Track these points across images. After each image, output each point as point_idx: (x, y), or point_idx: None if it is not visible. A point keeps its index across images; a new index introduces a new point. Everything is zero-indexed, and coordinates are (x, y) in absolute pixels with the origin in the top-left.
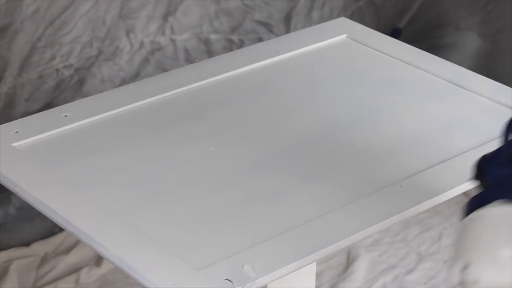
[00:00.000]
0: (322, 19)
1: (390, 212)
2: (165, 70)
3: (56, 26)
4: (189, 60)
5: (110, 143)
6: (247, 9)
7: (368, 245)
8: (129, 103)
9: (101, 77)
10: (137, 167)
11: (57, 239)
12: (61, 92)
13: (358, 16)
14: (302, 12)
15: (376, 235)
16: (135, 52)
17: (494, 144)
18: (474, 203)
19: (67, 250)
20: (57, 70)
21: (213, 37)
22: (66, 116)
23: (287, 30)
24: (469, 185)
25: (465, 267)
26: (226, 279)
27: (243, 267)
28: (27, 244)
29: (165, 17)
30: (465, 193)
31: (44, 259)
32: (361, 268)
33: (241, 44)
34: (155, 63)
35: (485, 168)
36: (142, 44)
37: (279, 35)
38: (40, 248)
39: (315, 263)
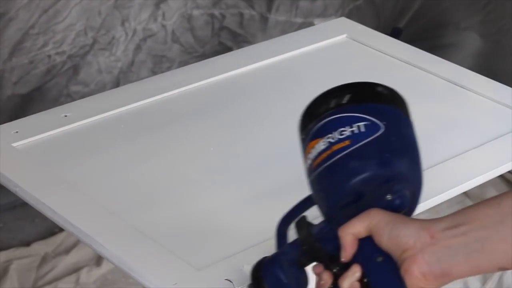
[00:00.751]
0: (312, 13)
1: None
2: (155, 55)
3: (50, 14)
4: (175, 40)
5: (110, 143)
6: None
7: None
8: (129, 103)
9: (97, 67)
10: (137, 167)
11: (57, 239)
12: (52, 78)
13: (356, 15)
14: None
15: None
16: (129, 40)
17: (494, 144)
18: None
19: (67, 250)
20: (49, 56)
21: (195, 12)
22: (66, 116)
23: (269, 8)
24: (469, 185)
25: None
26: (226, 279)
27: (243, 267)
28: (27, 244)
29: (157, 4)
30: (465, 193)
31: (44, 259)
32: None
33: (222, 20)
34: (146, 49)
35: (263, 274)
36: (135, 32)
37: (260, 12)
38: (40, 248)
39: (315, 263)
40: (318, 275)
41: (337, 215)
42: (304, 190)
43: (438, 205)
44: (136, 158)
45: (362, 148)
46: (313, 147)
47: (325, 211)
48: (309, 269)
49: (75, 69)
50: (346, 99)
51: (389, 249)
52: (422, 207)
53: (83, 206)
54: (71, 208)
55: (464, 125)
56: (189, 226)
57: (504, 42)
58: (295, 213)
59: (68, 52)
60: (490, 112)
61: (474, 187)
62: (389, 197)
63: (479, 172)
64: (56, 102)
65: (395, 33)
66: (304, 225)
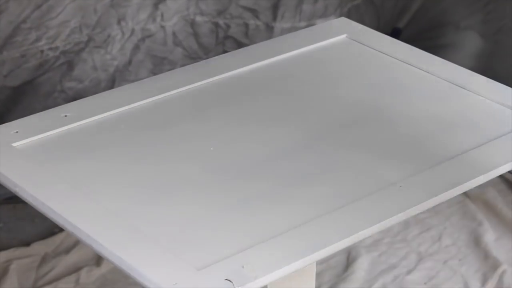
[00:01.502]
0: (314, 14)
1: (390, 212)
2: (155, 56)
3: (43, 9)
4: (177, 43)
5: (110, 143)
6: None
7: (368, 245)
8: (129, 103)
9: (92, 64)
10: (137, 167)
11: (57, 239)
12: (44, 72)
13: (355, 15)
14: (290, 3)
15: (376, 235)
16: (126, 40)
17: (494, 144)
18: None
19: (67, 250)
20: (42, 51)
21: (199, 19)
22: (66, 116)
23: (274, 16)
24: (469, 185)
25: None
26: (226, 279)
27: (243, 267)
28: (27, 244)
29: (155, 5)
30: (465, 193)
31: (44, 259)
32: (361, 268)
33: (227, 29)
34: (145, 49)
35: None
36: (133, 31)
37: (265, 22)
38: (40, 248)
39: (315, 263)
40: None
41: None
42: (304, 190)
43: (438, 205)
44: (136, 158)
45: None
46: None
47: None
48: None
49: (70, 65)
50: None
51: None
52: (422, 207)
53: (83, 206)
54: (71, 208)
55: (464, 125)
56: (189, 226)
57: (505, 42)
58: None
59: (62, 48)
60: (490, 112)
61: (474, 187)
62: None
63: (479, 172)
64: (49, 97)
65: (395, 33)
66: None
